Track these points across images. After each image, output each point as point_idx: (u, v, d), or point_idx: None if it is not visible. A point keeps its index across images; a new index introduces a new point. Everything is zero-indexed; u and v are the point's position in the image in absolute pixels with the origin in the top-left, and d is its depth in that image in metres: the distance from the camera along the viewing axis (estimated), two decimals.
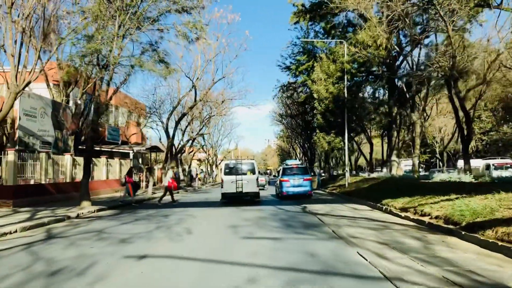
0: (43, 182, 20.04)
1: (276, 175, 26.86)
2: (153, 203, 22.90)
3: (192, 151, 44.98)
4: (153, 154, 51.36)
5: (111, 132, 42.51)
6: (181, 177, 46.09)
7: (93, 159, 26.81)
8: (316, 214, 15.21)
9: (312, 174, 33.51)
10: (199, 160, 64.36)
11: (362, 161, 59.92)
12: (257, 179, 21.52)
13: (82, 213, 15.95)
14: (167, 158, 31.67)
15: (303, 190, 23.06)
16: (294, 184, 23.07)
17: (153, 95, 33.49)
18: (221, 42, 30.18)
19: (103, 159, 28.05)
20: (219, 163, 65.29)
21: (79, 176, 24.86)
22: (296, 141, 58.48)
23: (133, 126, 49.70)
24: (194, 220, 14.23)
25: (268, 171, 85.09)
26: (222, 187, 21.40)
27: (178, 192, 32.62)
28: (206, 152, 54.45)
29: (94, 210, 16.91)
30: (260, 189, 23.04)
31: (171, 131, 33.26)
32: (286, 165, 24.34)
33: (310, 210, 16.60)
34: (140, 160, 45.46)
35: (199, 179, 47.73)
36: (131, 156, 32.16)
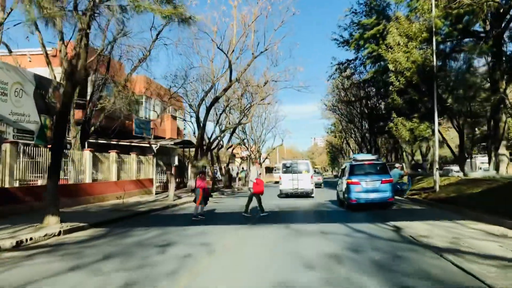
0: (6, 185, 14.05)
1: (338, 174, 19.61)
2: (169, 215, 16.53)
3: (231, 146, 38.62)
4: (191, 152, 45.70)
5: (139, 125, 37.15)
6: (219, 176, 39.80)
7: (97, 154, 20.89)
8: (436, 248, 8.15)
9: None
10: (242, 158, 58.07)
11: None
12: (311, 177, 23.80)
13: (33, 238, 9.70)
14: (197, 153, 25.35)
15: (381, 196, 15.93)
16: (367, 188, 15.97)
17: (176, 78, 26.50)
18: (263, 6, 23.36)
19: (112, 154, 22.05)
20: (263, 161, 58.55)
21: (77, 176, 18.94)
22: (353, 135, 50.80)
23: (168, 119, 44.25)
24: (207, 262, 7.58)
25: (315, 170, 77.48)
26: (280, 184, 23.88)
27: (211, 196, 26.26)
28: (248, 149, 47.96)
29: (59, 232, 10.63)
30: (316, 187, 25.17)
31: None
32: (355, 160, 17.23)
33: (414, 237, 9.54)
34: (175, 158, 39.63)
35: (240, 179, 41.33)
36: (155, 150, 26.15)
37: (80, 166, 18.93)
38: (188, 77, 24.26)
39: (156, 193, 27.03)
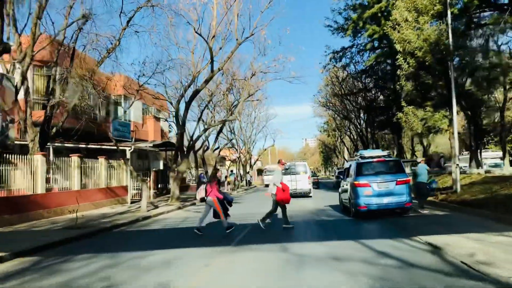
0: None
1: (335, 174, 16.36)
2: (135, 231, 13.38)
3: (218, 148, 35.50)
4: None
5: (117, 127, 33.92)
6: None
7: (54, 159, 17.66)
8: None
9: None
10: (232, 160, 55.00)
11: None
12: (308, 178, 24.70)
13: None
14: (177, 156, 22.19)
15: (397, 201, 12.95)
16: (380, 191, 12.96)
17: (144, 65, 22.82)
18: None
19: (74, 159, 18.86)
20: (254, 163, 55.41)
21: (27, 186, 15.67)
22: (348, 132, 47.79)
23: (151, 121, 41.07)
24: None
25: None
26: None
27: (193, 203, 23.12)
28: (237, 150, 44.83)
29: None
30: (314, 188, 26.48)
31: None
32: (362, 158, 14.17)
33: (469, 264, 6.60)
34: (160, 162, 36.42)
35: (228, 183, 38.16)
36: (128, 155, 22.92)
37: (30, 173, 15.66)
38: (163, 68, 20.78)
39: (132, 202, 23.80)
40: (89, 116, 24.78)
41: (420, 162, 14.61)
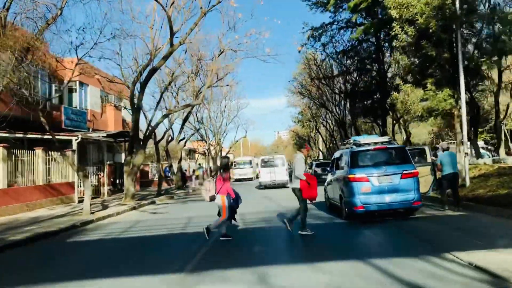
0: None
1: (328, 169, 13.14)
2: (65, 244, 10.10)
3: (184, 139, 32.11)
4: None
5: (71, 116, 30.29)
6: (171, 175, 33.32)
7: None
8: None
9: None
10: (202, 153, 51.60)
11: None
12: (286, 170, 26.36)
13: None
14: (132, 146, 18.84)
15: (403, 199, 10.16)
16: (381, 186, 10.15)
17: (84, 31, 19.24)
18: None
19: None
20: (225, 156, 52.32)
21: None
22: (324, 121, 45.01)
23: (111, 109, 37.35)
24: None
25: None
26: (259, 177, 27.23)
27: (152, 202, 19.92)
28: (206, 141, 41.48)
29: None
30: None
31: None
32: (357, 145, 11.24)
33: None
34: (122, 154, 32.86)
35: (197, 177, 34.92)
36: (74, 146, 19.40)
37: None
38: (110, 37, 17.24)
39: (81, 201, 20.36)
40: (30, 101, 21.11)
41: (445, 149, 11.74)
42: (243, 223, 11.42)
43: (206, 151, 42.52)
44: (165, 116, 21.17)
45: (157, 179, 24.28)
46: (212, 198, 9.10)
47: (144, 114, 26.71)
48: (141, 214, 15.71)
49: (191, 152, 59.54)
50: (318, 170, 31.06)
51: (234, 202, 9.48)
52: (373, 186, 10.14)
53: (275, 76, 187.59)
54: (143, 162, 26.63)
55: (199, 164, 36.64)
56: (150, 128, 20.48)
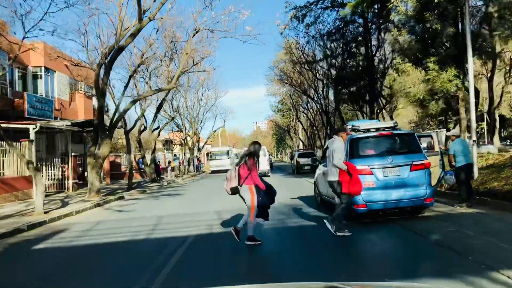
0: None
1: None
2: None
3: (158, 128, 29.89)
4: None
5: (35, 104, 27.92)
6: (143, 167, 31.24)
7: None
8: None
9: None
10: (180, 144, 49.49)
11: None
12: (269, 160, 31.47)
13: None
14: (98, 136, 16.75)
15: (413, 196, 8.54)
16: (386, 180, 8.52)
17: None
18: None
19: None
20: (202, 147, 50.20)
21: None
22: (305, 109, 43.24)
23: (80, 98, 34.99)
24: None
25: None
26: None
27: (121, 197, 17.95)
28: (182, 131, 39.40)
29: None
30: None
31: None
32: (355, 131, 9.47)
33: None
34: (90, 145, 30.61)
35: (173, 169, 32.97)
36: (31, 136, 17.18)
37: None
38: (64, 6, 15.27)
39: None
40: None
41: (457, 136, 10.15)
42: (220, 220, 9.64)
43: (182, 141, 40.45)
44: (133, 102, 19.07)
45: (128, 171, 22.21)
46: (235, 190, 7.43)
47: (114, 101, 24.54)
48: (105, 212, 13.75)
49: (168, 143, 57.28)
50: (302, 160, 29.47)
51: (264, 195, 7.49)
52: (378, 180, 8.49)
53: (254, 65, 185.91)
54: (110, 152, 24.59)
55: (175, 155, 34.62)
56: (117, 115, 18.36)
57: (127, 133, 23.21)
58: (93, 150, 16.76)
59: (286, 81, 36.89)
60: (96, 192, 16.43)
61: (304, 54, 28.60)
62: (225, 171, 37.20)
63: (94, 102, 33.90)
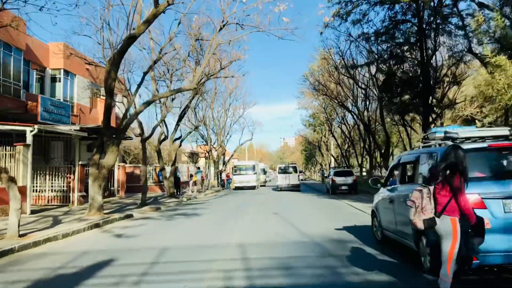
0: None
1: (385, 180, 7.46)
2: None
3: (180, 138, 27.04)
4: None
5: (50, 108, 25.94)
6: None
7: None
8: None
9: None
10: (204, 157, 46.91)
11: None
12: (298, 176, 34.05)
13: None
14: (103, 142, 14.09)
15: None
16: (509, 219, 5.24)
17: None
18: None
19: None
20: (228, 160, 47.42)
21: None
22: (341, 123, 39.69)
23: (103, 104, 32.82)
24: None
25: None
26: (277, 181, 33.76)
27: (128, 215, 15.20)
28: (207, 143, 36.73)
29: None
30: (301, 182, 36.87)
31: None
32: (453, 139, 6.22)
33: None
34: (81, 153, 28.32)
35: (195, 183, 30.23)
36: (28, 139, 14.72)
37: None
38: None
39: (40, 211, 15.73)
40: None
41: None
42: (247, 272, 6.59)
43: (207, 153, 37.76)
44: (147, 103, 16.36)
45: (142, 184, 19.51)
46: (431, 224, 4.55)
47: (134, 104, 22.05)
48: (101, 236, 10.93)
49: (194, 156, 54.85)
50: (338, 179, 26.18)
51: (469, 233, 4.59)
52: (494, 218, 5.32)
53: (284, 79, 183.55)
54: (131, 163, 22.07)
55: (198, 168, 31.85)
56: (127, 118, 15.72)
57: (144, 141, 20.58)
58: (96, 158, 14.08)
59: (321, 92, 33.70)
60: (97, 209, 13.72)
61: (345, 60, 25.47)
62: (251, 187, 33.58)
63: (118, 110, 31.72)
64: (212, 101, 38.36)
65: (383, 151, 25.08)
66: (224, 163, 45.31)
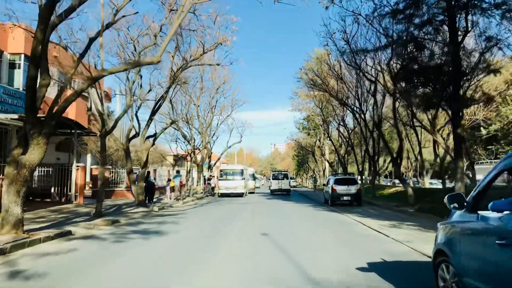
0: None
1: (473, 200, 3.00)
2: None
3: (154, 136, 22.61)
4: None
5: (3, 97, 22.29)
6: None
7: None
8: None
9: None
10: (185, 159, 42.70)
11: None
12: (289, 182, 38.96)
13: None
14: (26, 132, 9.97)
15: None
16: None
17: None
18: None
19: None
20: (214, 164, 43.26)
21: None
22: (340, 125, 35.49)
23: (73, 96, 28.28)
24: None
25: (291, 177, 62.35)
26: (270, 186, 39.04)
27: (65, 233, 11.06)
28: (189, 143, 32.63)
29: None
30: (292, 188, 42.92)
31: None
32: None
33: None
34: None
35: (172, 190, 26.18)
36: None
37: None
38: None
39: None
40: None
41: None
42: None
43: (189, 155, 33.60)
44: (93, 80, 12.27)
45: (98, 189, 15.44)
46: None
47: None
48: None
49: (181, 159, 50.58)
50: (340, 188, 22.24)
51: None
52: None
53: (274, 86, 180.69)
54: (89, 163, 18.31)
55: (177, 172, 27.62)
56: (60, 99, 11.67)
57: (103, 136, 16.48)
58: (16, 154, 9.99)
59: (320, 88, 29.74)
60: (13, 225, 9.62)
61: (351, 46, 21.38)
62: (238, 195, 29.22)
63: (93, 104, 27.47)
64: (198, 98, 34.44)
65: (394, 155, 21.16)
66: (210, 167, 41.17)
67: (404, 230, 12.31)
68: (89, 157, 35.60)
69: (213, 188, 33.87)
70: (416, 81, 15.93)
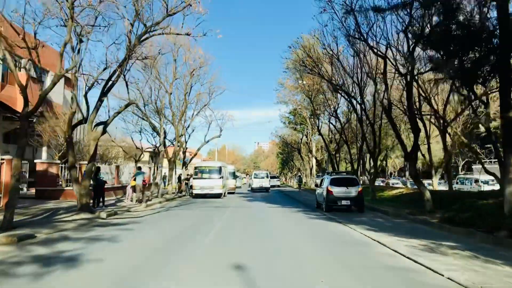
0: None
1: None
2: None
3: (106, 122, 17.95)
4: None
5: None
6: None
7: None
8: None
9: None
10: (150, 155, 38.09)
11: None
12: (269, 180, 44.46)
13: None
14: None
15: None
16: None
17: None
18: None
19: None
20: (189, 160, 38.59)
21: None
22: (333, 115, 31.15)
23: (23, 80, 23.58)
24: None
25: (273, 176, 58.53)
26: (251, 185, 44.36)
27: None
28: (158, 134, 28.09)
29: None
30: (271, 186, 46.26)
31: None
32: None
33: None
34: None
35: (133, 189, 21.67)
36: None
37: None
38: None
39: None
40: None
41: None
42: None
43: (155, 148, 29.01)
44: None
45: (10, 190, 10.99)
46: None
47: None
48: None
49: (157, 156, 45.86)
50: (337, 190, 18.01)
51: None
52: None
53: (257, 82, 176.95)
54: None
55: (139, 168, 22.99)
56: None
57: (24, 118, 12.00)
58: None
59: (310, 71, 25.47)
60: None
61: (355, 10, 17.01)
62: (215, 195, 23.93)
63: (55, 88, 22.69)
64: (170, 85, 29.94)
65: (408, 150, 16.98)
66: (185, 164, 36.59)
67: (451, 258, 8.07)
68: (44, 150, 30.79)
69: (191, 187, 29.36)
70: (453, 47, 11.64)
